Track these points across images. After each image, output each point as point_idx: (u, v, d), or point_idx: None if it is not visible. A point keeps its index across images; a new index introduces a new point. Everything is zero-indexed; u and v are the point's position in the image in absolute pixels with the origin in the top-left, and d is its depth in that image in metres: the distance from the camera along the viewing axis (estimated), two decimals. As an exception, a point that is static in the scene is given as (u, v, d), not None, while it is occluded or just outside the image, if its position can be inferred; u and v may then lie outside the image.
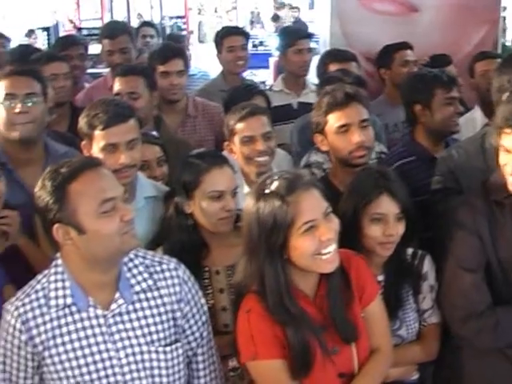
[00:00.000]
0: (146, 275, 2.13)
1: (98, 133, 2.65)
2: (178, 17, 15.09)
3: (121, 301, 2.07)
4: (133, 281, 2.10)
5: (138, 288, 2.10)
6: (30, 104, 2.96)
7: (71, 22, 15.99)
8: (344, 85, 3.03)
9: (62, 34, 13.10)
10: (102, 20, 14.82)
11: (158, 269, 2.16)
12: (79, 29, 10.43)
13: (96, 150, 2.66)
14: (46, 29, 13.64)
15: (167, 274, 2.16)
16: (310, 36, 4.83)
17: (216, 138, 4.03)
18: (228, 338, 2.34)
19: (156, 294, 2.12)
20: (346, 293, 2.21)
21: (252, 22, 19.75)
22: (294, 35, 4.75)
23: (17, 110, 2.93)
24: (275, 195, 2.06)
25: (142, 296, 2.11)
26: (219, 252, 2.62)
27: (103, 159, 2.44)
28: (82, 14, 15.21)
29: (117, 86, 3.56)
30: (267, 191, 2.09)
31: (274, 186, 2.08)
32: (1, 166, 2.82)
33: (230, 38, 4.63)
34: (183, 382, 2.19)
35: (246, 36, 4.80)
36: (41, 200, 2.00)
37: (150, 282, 2.12)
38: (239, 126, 3.00)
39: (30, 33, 12.76)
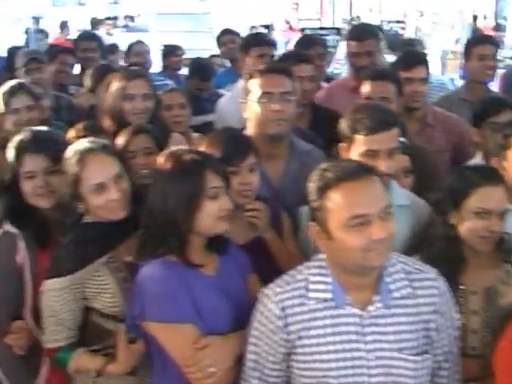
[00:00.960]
0: (405, 282, 2.12)
1: (360, 137, 2.65)
2: (397, 21, 14.96)
3: (379, 304, 2.08)
4: (392, 286, 2.10)
5: (396, 294, 2.10)
6: (285, 102, 3.03)
7: (287, 22, 16.39)
8: None
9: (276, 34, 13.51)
10: (321, 21, 15.11)
11: (418, 277, 2.14)
12: (302, 29, 10.56)
13: (355, 154, 2.66)
14: (266, 27, 14.09)
15: (427, 284, 2.13)
16: None
17: (453, 150, 3.92)
18: (475, 362, 2.27)
19: (413, 302, 2.11)
20: None
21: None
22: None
23: (274, 109, 3.00)
24: None
25: (400, 302, 2.10)
26: (478, 272, 2.53)
27: None
28: (300, 15, 15.57)
29: (367, 89, 3.54)
30: None
31: None
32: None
33: (480, 47, 4.52)
34: None
35: (496, 45, 4.69)
36: (309, 194, 2.09)
37: (409, 290, 2.11)
38: None
39: (252, 28, 13.23)
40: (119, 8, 19.60)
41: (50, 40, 12.62)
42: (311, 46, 4.73)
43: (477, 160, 3.41)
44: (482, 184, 2.47)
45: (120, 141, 3.03)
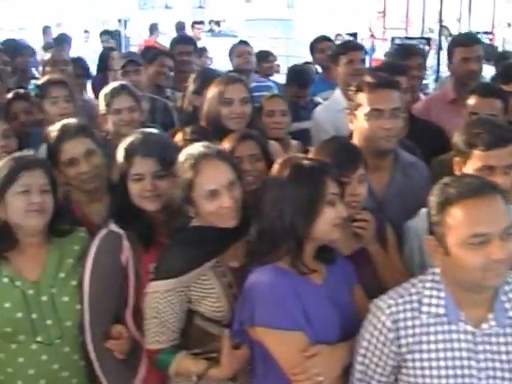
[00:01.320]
0: None
1: (477, 152, 2.62)
2: (485, 32, 14.64)
3: (493, 322, 2.06)
4: (508, 305, 2.08)
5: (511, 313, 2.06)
6: (394, 119, 3.00)
7: (370, 30, 16.27)
8: None
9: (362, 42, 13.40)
10: (406, 30, 14.94)
11: None
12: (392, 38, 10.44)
13: (470, 169, 2.64)
14: (352, 35, 14.00)
15: None
16: None
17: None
18: None
19: None
20: None
21: None
22: None
23: (384, 126, 2.97)
24: None
25: None
26: None
27: None
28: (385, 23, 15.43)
29: (474, 104, 3.47)
30: None
31: None
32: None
33: None
34: None
35: None
36: (429, 208, 2.09)
37: None
38: None
39: (337, 36, 13.18)
40: (205, 12, 19.86)
41: (138, 42, 12.87)
42: (412, 56, 4.66)
43: None
44: None
45: (226, 146, 3.02)
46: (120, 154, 2.77)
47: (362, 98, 3.02)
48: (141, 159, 2.71)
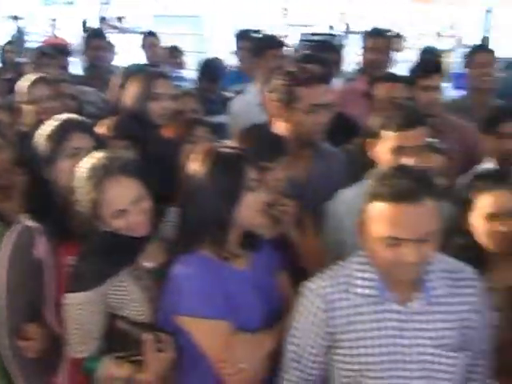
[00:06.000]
0: (446, 281, 2.15)
1: (388, 133, 2.72)
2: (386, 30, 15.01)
3: (419, 301, 2.11)
4: (433, 284, 2.13)
5: (436, 292, 2.13)
6: (329, 112, 3.10)
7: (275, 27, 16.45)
8: None
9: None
10: (311, 28, 15.17)
11: (458, 276, 2.18)
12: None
13: (383, 149, 2.74)
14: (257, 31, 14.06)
15: (466, 283, 2.17)
16: None
17: (463, 158, 3.96)
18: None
19: (452, 300, 2.14)
20: None
21: None
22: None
23: (321, 121, 3.08)
24: None
25: (440, 300, 2.13)
26: (502, 270, 2.59)
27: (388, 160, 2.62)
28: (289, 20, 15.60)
29: (382, 90, 3.76)
30: None
31: None
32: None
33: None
34: None
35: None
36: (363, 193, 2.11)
37: (449, 288, 2.14)
38: None
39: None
40: (110, 9, 19.54)
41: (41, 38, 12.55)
42: (328, 52, 4.79)
43: (487, 165, 3.47)
44: (489, 188, 2.56)
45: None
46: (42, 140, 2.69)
47: (299, 91, 3.06)
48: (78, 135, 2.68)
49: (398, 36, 12.63)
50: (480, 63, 4.63)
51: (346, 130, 3.67)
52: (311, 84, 3.07)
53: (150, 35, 6.24)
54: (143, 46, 6.01)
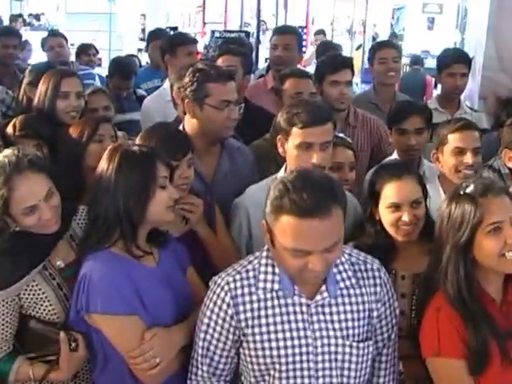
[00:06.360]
0: (350, 273, 2.21)
1: (296, 130, 2.77)
2: (300, 27, 15.12)
3: (325, 294, 2.16)
4: (338, 276, 2.19)
5: (342, 284, 2.19)
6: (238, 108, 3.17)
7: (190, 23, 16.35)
8: None
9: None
10: (225, 24, 15.17)
11: (363, 268, 2.24)
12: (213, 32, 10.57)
13: (291, 145, 2.80)
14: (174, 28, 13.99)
15: (370, 274, 2.24)
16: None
17: (372, 151, 4.07)
18: (401, 342, 2.41)
19: (358, 291, 2.21)
20: None
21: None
22: (450, 59, 4.70)
23: (234, 117, 3.12)
24: (468, 197, 2.21)
25: (345, 292, 2.19)
26: (408, 258, 2.70)
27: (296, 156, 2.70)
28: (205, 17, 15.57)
29: (290, 86, 3.88)
30: (461, 193, 2.23)
31: (470, 189, 2.23)
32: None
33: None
34: (366, 379, 2.26)
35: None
36: (266, 200, 2.08)
37: (354, 280, 2.21)
38: (452, 136, 3.12)
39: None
40: (23, 6, 19.06)
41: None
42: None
43: (393, 158, 3.60)
44: (389, 180, 2.68)
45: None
46: None
47: (210, 88, 3.07)
48: None
49: (322, 32, 12.90)
50: (383, 58, 4.74)
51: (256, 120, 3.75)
52: (222, 80, 3.09)
53: (52, 36, 6.13)
54: (42, 46, 5.91)
